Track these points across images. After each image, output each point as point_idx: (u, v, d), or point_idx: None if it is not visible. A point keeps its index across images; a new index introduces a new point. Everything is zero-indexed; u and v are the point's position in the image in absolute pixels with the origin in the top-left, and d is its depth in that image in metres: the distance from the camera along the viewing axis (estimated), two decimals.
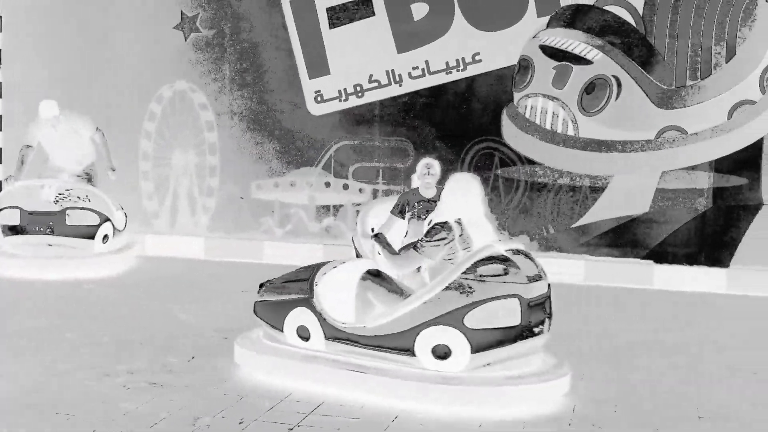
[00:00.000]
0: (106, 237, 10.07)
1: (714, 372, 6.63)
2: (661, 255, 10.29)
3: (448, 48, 10.71)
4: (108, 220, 10.09)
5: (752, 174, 10.05)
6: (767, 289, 9.78)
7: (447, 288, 5.60)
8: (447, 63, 10.75)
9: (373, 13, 10.92)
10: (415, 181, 8.34)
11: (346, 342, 5.90)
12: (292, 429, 5.09)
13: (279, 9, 11.16)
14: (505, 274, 5.60)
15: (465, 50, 10.68)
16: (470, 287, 5.56)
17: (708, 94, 10.12)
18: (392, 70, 10.90)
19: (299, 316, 6.09)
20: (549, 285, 5.88)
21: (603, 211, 10.41)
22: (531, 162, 10.60)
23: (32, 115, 11.33)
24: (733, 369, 6.72)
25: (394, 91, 10.91)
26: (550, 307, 5.89)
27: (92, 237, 9.94)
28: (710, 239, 10.18)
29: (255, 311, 6.43)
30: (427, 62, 10.81)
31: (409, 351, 5.67)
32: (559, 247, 10.49)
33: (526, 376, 5.68)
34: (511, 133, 10.62)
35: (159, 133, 11.68)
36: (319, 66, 11.13)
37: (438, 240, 5.79)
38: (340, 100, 11.09)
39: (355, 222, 8.71)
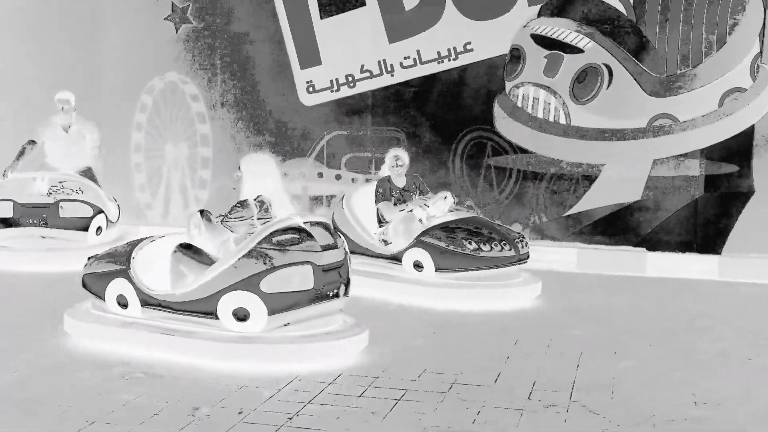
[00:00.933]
0: (99, 229, 10.06)
1: (707, 359, 6.67)
2: (653, 243, 10.34)
3: (440, 37, 10.74)
4: (101, 211, 10.08)
5: (743, 161, 10.11)
6: (759, 275, 9.84)
7: (244, 256, 6.14)
8: (438, 53, 10.78)
9: (364, 3, 10.94)
10: (385, 171, 9.09)
11: (159, 308, 6.46)
12: (291, 418, 5.11)
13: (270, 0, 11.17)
14: (299, 242, 6.19)
15: (456, 39, 10.71)
16: (266, 255, 6.11)
17: (699, 82, 10.16)
18: (384, 60, 10.92)
19: (118, 286, 6.62)
20: (346, 253, 6.50)
21: (595, 200, 10.46)
22: (523, 151, 10.63)
23: (21, 110, 11.32)
24: (726, 355, 6.76)
25: (386, 80, 10.93)
26: (347, 273, 6.48)
27: (86, 229, 9.93)
28: (702, 227, 10.23)
29: (83, 283, 6.93)
30: (418, 52, 10.83)
31: (213, 314, 6.23)
32: (552, 235, 10.54)
33: (322, 335, 6.32)
34: (502, 122, 10.65)
35: (151, 125, 11.67)
36: (310, 56, 11.14)
37: (237, 217, 6.45)
38: (331, 91, 11.10)
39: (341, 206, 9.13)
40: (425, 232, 8.55)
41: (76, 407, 5.23)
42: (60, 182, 10.07)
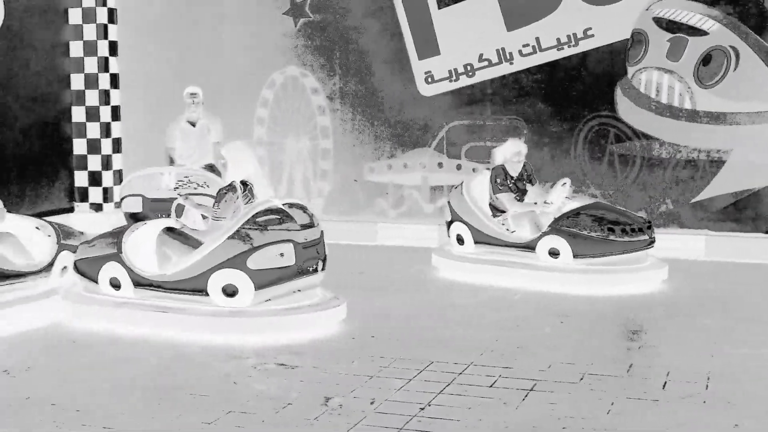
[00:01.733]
0: None
1: None
2: None
3: (559, 24, 10.60)
4: (200, 206, 10.22)
5: None
6: None
7: (231, 237, 6.65)
8: (558, 39, 10.65)
9: None
10: (499, 159, 9.13)
11: (151, 288, 6.92)
12: (423, 408, 5.12)
13: None
14: (280, 222, 6.71)
15: (576, 25, 10.56)
16: (250, 235, 6.62)
17: None
18: (502, 49, 10.84)
19: (111, 269, 7.04)
20: (321, 231, 7.00)
21: (723, 186, 10.19)
22: (647, 137, 10.43)
23: (148, 107, 11.59)
24: None
25: (505, 69, 10.85)
26: (323, 250, 6.99)
27: None
28: None
29: (75, 268, 7.35)
30: (537, 39, 10.71)
31: (203, 292, 6.71)
32: (679, 222, 10.32)
33: (305, 307, 6.82)
34: (625, 108, 10.47)
35: (272, 119, 11.83)
36: (428, 47, 11.13)
37: (226, 200, 6.90)
38: (450, 80, 11.07)
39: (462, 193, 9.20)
40: (560, 219, 8.50)
41: (212, 397, 5.33)
42: (186, 177, 10.26)
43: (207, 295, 6.73)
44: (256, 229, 6.66)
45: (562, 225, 8.49)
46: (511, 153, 8.99)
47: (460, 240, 9.11)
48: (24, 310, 7.13)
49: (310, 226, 6.91)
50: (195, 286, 6.76)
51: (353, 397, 5.33)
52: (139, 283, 6.98)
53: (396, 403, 5.20)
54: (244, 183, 7.05)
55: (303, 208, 7.03)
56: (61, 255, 7.62)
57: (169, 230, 7.19)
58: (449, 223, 9.26)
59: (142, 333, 6.80)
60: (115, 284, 7.09)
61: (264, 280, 6.64)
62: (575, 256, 8.41)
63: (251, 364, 6.01)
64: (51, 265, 7.52)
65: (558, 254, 8.47)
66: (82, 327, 7.06)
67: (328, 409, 5.11)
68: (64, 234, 7.80)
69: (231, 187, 7.00)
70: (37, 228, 7.76)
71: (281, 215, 6.79)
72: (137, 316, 6.88)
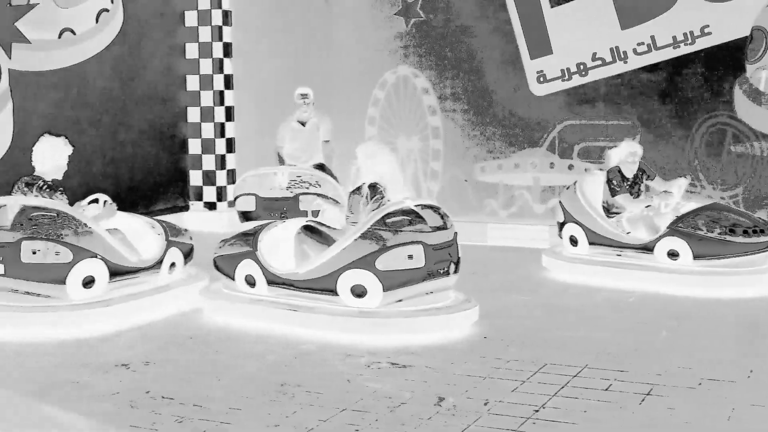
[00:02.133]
0: None
1: None
2: None
3: (675, 21, 10.41)
4: (338, 204, 10.32)
5: None
6: None
7: (360, 237, 6.64)
8: (674, 37, 10.46)
9: None
10: (614, 160, 9.00)
11: (283, 286, 7.01)
12: (537, 410, 5.08)
13: None
14: (411, 224, 6.64)
15: (693, 23, 10.35)
16: (379, 236, 6.59)
17: None
18: (616, 47, 10.69)
19: (246, 266, 7.19)
20: (455, 233, 6.89)
21: None
22: (766, 137, 10.16)
23: (261, 105, 11.76)
24: None
25: (619, 68, 10.70)
26: (456, 253, 6.87)
27: None
28: None
29: (214, 265, 7.56)
30: (653, 37, 10.54)
31: (333, 291, 6.75)
32: None
33: (434, 309, 6.77)
34: (744, 107, 10.21)
35: (383, 119, 11.88)
36: (541, 46, 11.04)
37: (354, 202, 6.92)
38: (563, 80, 10.97)
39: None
40: (679, 220, 8.35)
41: (327, 394, 5.38)
42: (298, 176, 10.39)
43: (337, 294, 6.76)
44: (385, 230, 6.62)
45: (681, 226, 8.33)
46: (626, 154, 8.86)
47: (573, 241, 9.00)
48: (137, 306, 7.32)
49: (443, 228, 6.80)
50: (325, 286, 6.80)
51: (467, 397, 5.31)
52: (273, 281, 7.10)
53: (510, 405, 5.17)
54: (373, 185, 6.95)
55: (436, 210, 6.93)
56: (169, 252, 7.79)
57: (308, 228, 7.22)
58: (561, 224, 9.16)
59: (266, 330, 6.90)
60: (250, 282, 7.23)
61: (393, 281, 6.61)
62: (695, 257, 8.24)
63: (365, 363, 6.05)
64: (160, 262, 7.70)
65: (677, 255, 8.30)
66: (202, 322, 7.21)
67: (441, 409, 5.11)
68: (172, 231, 7.99)
69: (359, 189, 6.97)
70: (146, 225, 7.98)
71: (412, 216, 6.71)
72: (269, 314, 7.01)
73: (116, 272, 7.21)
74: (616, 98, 10.73)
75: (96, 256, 7.03)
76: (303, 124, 10.67)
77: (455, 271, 6.90)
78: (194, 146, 12.60)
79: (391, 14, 11.72)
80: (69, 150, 7.55)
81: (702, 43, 10.35)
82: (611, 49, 10.72)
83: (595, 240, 8.80)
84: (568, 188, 9.29)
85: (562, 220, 9.17)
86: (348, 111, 11.90)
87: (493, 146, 11.30)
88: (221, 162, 12.57)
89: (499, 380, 5.64)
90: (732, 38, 10.22)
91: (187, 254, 8.05)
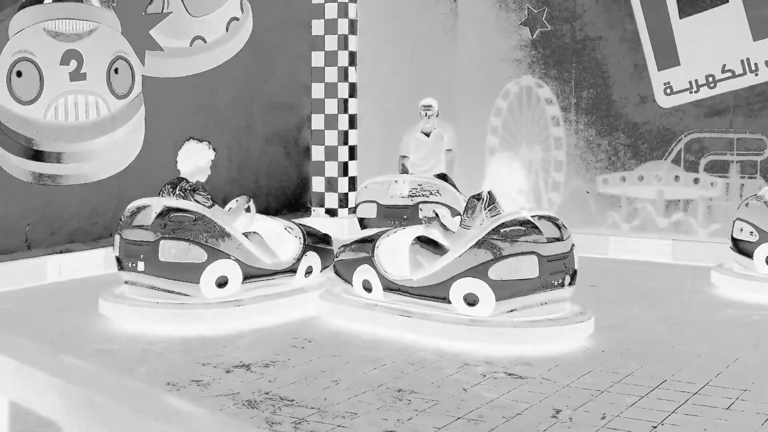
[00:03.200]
0: None
1: None
2: None
3: None
4: (458, 214, 10.35)
5: None
6: None
7: (474, 246, 6.63)
8: None
9: (726, 0, 10.50)
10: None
11: (399, 293, 7.11)
12: (655, 426, 5.01)
13: (626, 0, 11.01)
14: (526, 234, 6.56)
15: None
16: (494, 245, 6.55)
17: None
18: (747, 59, 10.45)
19: (364, 271, 7.35)
20: (572, 245, 6.81)
21: None
22: None
23: (385, 114, 11.86)
24: None
25: (750, 80, 10.44)
26: (573, 264, 6.79)
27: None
28: None
29: (334, 270, 7.79)
30: None
31: (446, 299, 6.80)
32: None
33: (548, 320, 6.70)
34: None
35: (505, 129, 11.86)
36: (668, 57, 10.86)
37: (472, 209, 6.85)
38: (690, 92, 10.76)
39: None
40: None
41: (443, 402, 5.41)
42: (419, 185, 10.44)
43: (449, 302, 6.80)
44: (499, 240, 6.57)
45: None
46: None
47: None
48: (269, 308, 7.51)
49: (559, 239, 6.72)
50: (437, 294, 6.84)
51: (584, 411, 5.27)
52: (388, 287, 7.20)
53: (628, 420, 5.11)
54: (490, 194, 6.90)
55: (554, 221, 6.84)
56: (306, 256, 7.97)
57: (421, 239, 7.26)
58: (757, 244, 8.52)
59: (382, 335, 6.98)
60: (367, 287, 7.36)
61: (506, 291, 6.58)
62: None
63: (481, 372, 6.05)
64: (296, 265, 7.88)
65: None
66: (321, 326, 7.32)
67: (558, 421, 5.09)
68: (311, 236, 8.16)
69: (478, 197, 6.94)
70: (285, 229, 8.20)
71: (527, 227, 6.62)
72: (384, 319, 7.09)
73: (251, 274, 7.46)
74: (745, 111, 10.48)
75: (230, 257, 7.29)
76: (427, 134, 10.72)
77: (571, 283, 6.82)
78: (317, 153, 12.79)
79: (517, 24, 11.69)
80: (211, 154, 7.86)
81: None
82: (742, 61, 10.48)
83: None
84: (747, 204, 8.75)
85: (757, 240, 8.53)
86: (471, 120, 11.92)
87: (617, 158, 11.16)
88: (343, 169, 12.72)
89: (617, 394, 5.58)
90: None
91: (326, 259, 8.22)
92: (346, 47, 12.67)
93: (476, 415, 5.18)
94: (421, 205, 10.22)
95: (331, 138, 12.72)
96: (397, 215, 10.30)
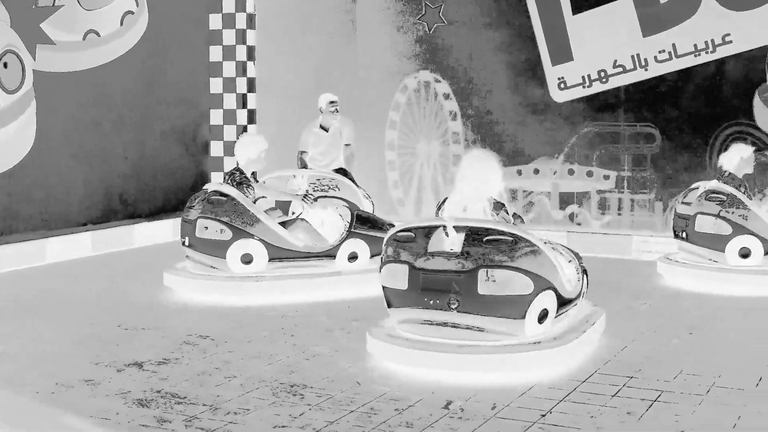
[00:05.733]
0: None
1: None
2: None
3: (697, 30, 10.40)
4: (357, 208, 10.37)
5: None
6: None
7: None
8: (695, 45, 10.45)
9: None
10: (734, 165, 8.95)
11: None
12: (544, 415, 5.11)
13: None
14: (411, 242, 6.00)
15: (714, 32, 10.35)
16: (384, 249, 6.24)
17: None
18: (637, 55, 10.69)
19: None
20: (471, 267, 5.74)
21: None
22: None
23: (284, 109, 11.84)
24: None
25: (640, 75, 10.70)
26: (469, 287, 5.75)
27: None
28: None
29: None
30: (674, 45, 10.53)
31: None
32: None
33: None
34: (763, 116, 10.20)
35: (404, 123, 11.93)
36: (562, 52, 11.05)
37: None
38: (583, 87, 10.98)
39: None
40: None
41: (336, 396, 5.43)
42: (317, 180, 10.42)
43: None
44: (392, 244, 6.09)
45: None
46: (748, 155, 8.97)
47: (744, 255, 8.68)
48: (272, 287, 8.16)
49: (446, 256, 5.84)
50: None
51: (474, 401, 5.35)
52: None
53: (518, 409, 5.20)
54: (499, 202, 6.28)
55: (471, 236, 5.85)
56: (349, 241, 8.52)
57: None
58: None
59: (278, 333, 6.94)
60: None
61: (387, 295, 6.14)
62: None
63: (374, 366, 6.09)
64: (335, 250, 8.51)
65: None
66: (217, 321, 7.28)
67: (449, 412, 5.15)
68: (363, 223, 8.71)
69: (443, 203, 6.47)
70: (340, 216, 8.80)
71: (420, 235, 5.96)
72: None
73: (279, 255, 8.24)
74: (636, 105, 10.73)
75: (253, 237, 8.14)
76: (326, 129, 10.72)
77: (462, 309, 5.81)
78: (216, 148, 12.69)
79: (414, 19, 11.77)
80: (262, 145, 8.58)
81: (723, 52, 10.34)
82: (632, 57, 10.72)
83: None
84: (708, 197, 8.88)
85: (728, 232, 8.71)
86: (369, 115, 11.96)
87: (513, 152, 11.32)
88: None
89: (508, 384, 5.67)
90: (753, 47, 10.20)
91: (375, 246, 8.46)
92: (244, 42, 12.60)
93: (369, 408, 5.21)
94: (319, 201, 10.20)
95: (230, 133, 12.64)
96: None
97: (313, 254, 8.43)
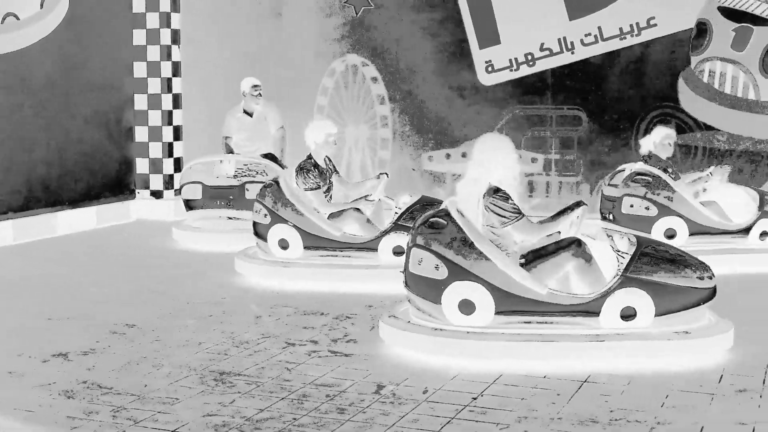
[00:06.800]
0: None
1: None
2: None
3: (622, 13, 10.51)
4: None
5: None
6: None
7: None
8: (621, 29, 10.55)
9: None
10: (648, 147, 9.13)
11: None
12: (475, 398, 5.10)
13: None
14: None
15: (639, 15, 10.46)
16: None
17: None
18: (564, 38, 10.76)
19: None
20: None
21: None
22: (710, 128, 10.28)
23: (210, 93, 11.72)
24: None
25: (567, 58, 10.77)
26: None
27: None
28: None
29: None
30: (599, 28, 10.62)
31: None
32: None
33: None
34: (688, 98, 10.34)
35: (332, 107, 11.86)
36: (489, 36, 11.07)
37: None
38: (511, 70, 11.02)
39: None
40: None
41: (266, 384, 5.36)
42: (245, 165, 10.33)
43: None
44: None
45: None
46: (661, 137, 9.05)
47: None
48: (289, 274, 8.19)
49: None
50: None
51: (405, 385, 5.33)
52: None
53: (449, 393, 5.19)
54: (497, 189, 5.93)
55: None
56: (390, 236, 8.03)
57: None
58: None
59: (201, 322, 6.85)
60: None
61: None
62: None
63: (305, 352, 6.04)
64: (376, 243, 8.12)
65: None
66: (145, 310, 7.16)
67: (381, 397, 5.12)
68: (411, 218, 7.97)
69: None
70: (394, 209, 8.47)
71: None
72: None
73: (315, 244, 8.13)
74: (563, 88, 10.80)
75: (287, 223, 8.13)
76: (249, 114, 10.61)
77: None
78: (141, 134, 12.48)
79: (341, 3, 11.68)
80: (329, 129, 8.40)
81: (648, 35, 10.46)
82: (559, 40, 10.79)
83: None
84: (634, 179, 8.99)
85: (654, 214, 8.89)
86: (297, 99, 11.86)
87: (442, 136, 11.32)
88: (168, 150, 12.46)
89: (440, 368, 5.65)
90: (677, 30, 10.33)
91: None
92: (168, 25, 12.39)
93: (299, 395, 5.16)
94: (247, 186, 10.11)
95: (155, 118, 12.43)
96: (222, 196, 10.17)
97: (353, 245, 8.12)
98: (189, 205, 10.31)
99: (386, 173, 8.75)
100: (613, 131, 10.58)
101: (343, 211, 8.32)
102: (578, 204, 6.13)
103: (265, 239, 8.29)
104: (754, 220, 8.85)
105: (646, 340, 5.70)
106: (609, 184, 9.23)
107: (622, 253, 5.94)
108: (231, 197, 10.13)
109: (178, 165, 12.47)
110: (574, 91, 10.75)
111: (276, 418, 4.78)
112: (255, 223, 8.36)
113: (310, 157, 8.36)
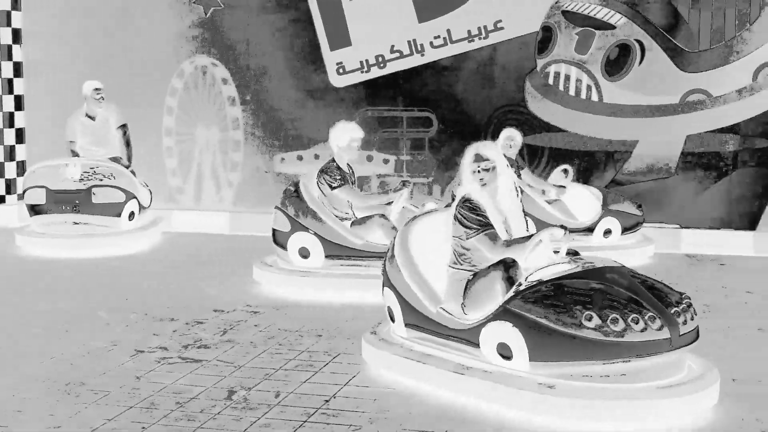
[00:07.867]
0: (132, 214, 10.07)
1: (746, 334, 6.61)
2: (686, 219, 10.25)
3: (470, 16, 10.67)
4: (134, 197, 10.08)
5: None
6: None
7: None
8: (469, 31, 10.70)
9: None
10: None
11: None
12: (328, 401, 5.09)
13: None
14: None
15: (487, 18, 10.64)
16: None
17: (732, 57, 10.04)
18: (414, 40, 10.86)
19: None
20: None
21: (628, 177, 10.37)
22: (555, 129, 10.54)
23: (54, 95, 11.38)
24: (765, 330, 6.70)
25: (417, 60, 10.87)
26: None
27: (118, 215, 9.93)
28: (736, 203, 10.12)
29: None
30: (448, 31, 10.75)
31: None
32: None
33: None
34: (534, 100, 10.57)
35: (181, 109, 11.68)
36: (340, 37, 11.08)
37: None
38: (362, 72, 11.05)
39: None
40: None
41: (113, 393, 5.23)
42: (92, 168, 10.06)
43: None
44: None
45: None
46: (503, 139, 9.26)
47: None
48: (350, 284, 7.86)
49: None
50: None
51: (257, 390, 5.28)
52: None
53: (300, 396, 5.16)
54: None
55: None
56: None
57: None
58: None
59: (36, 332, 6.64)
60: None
61: None
62: None
63: (155, 359, 5.92)
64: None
65: None
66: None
67: (232, 402, 5.06)
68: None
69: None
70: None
71: None
72: None
73: (337, 253, 7.87)
74: (414, 90, 10.90)
75: (308, 231, 7.89)
76: (92, 118, 10.34)
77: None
78: None
79: (190, 3, 11.51)
80: (353, 133, 8.04)
81: (495, 38, 10.64)
82: (409, 42, 10.87)
83: None
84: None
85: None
86: (146, 101, 11.63)
87: (294, 137, 11.28)
88: (10, 153, 12.04)
89: (291, 371, 5.62)
90: (523, 33, 10.55)
91: None
92: (9, 24, 11.97)
93: (149, 403, 5.05)
94: (94, 189, 9.85)
95: None
96: (68, 200, 9.87)
97: (374, 254, 7.77)
98: (34, 210, 9.97)
99: (410, 181, 8.36)
100: (463, 132, 10.73)
101: (368, 217, 8.03)
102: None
103: (285, 248, 8.05)
104: (598, 218, 9.19)
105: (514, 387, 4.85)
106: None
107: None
108: (77, 202, 9.84)
109: (21, 168, 12.07)
110: (425, 92, 10.86)
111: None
112: (274, 231, 8.12)
113: (332, 160, 8.06)
